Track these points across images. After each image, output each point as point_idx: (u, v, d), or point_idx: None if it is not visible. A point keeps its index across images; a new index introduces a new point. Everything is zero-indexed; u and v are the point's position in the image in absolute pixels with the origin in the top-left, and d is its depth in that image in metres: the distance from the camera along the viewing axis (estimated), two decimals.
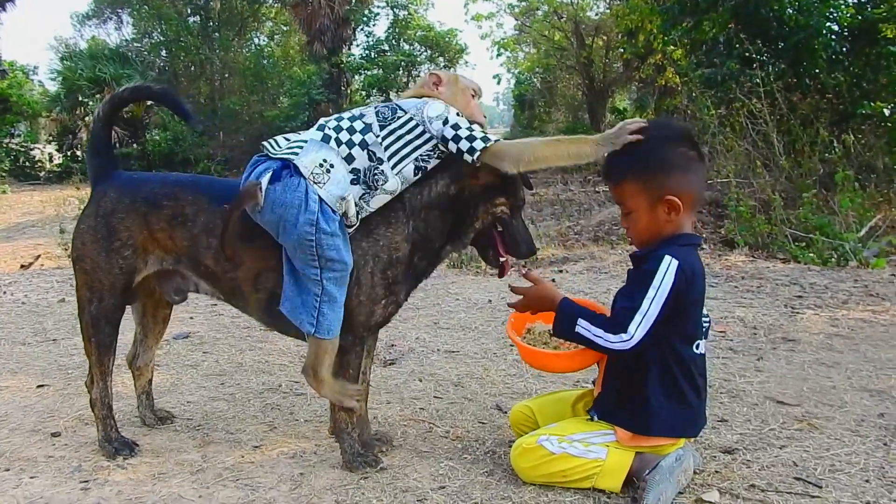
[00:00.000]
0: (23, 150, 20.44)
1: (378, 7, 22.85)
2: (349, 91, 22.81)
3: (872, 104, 6.86)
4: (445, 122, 1.83)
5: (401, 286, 1.94)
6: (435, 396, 2.52)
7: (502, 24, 27.50)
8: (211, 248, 1.92)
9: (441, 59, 22.61)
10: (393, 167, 1.84)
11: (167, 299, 2.11)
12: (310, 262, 1.78)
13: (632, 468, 1.73)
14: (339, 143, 1.84)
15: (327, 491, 1.79)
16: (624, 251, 5.39)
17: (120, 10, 23.33)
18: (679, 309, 1.69)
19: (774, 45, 7.44)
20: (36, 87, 24.56)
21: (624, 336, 1.66)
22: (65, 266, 6.17)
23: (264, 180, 1.79)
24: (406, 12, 22.90)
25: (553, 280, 4.52)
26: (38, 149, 21.21)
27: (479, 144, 1.80)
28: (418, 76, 22.49)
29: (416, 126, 1.85)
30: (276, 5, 23.58)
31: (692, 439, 1.88)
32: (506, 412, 2.27)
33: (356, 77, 23.10)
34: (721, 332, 3.21)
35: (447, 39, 22.58)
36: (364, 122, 1.87)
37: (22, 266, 6.79)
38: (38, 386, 2.68)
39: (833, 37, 7.21)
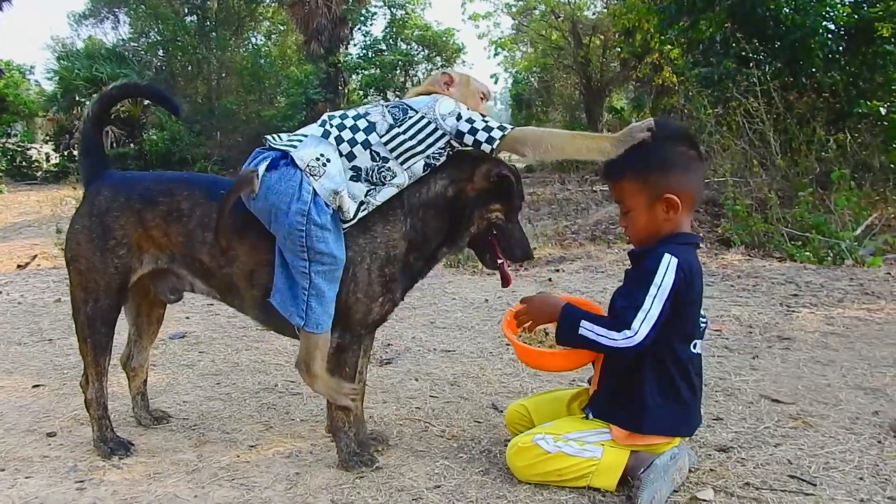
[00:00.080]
0: (19, 149, 20.36)
1: (375, 6, 22.84)
2: (346, 91, 22.79)
3: (869, 103, 6.88)
4: (459, 117, 1.85)
5: (397, 284, 1.94)
6: (431, 395, 2.52)
7: (499, 24, 27.50)
8: (206, 244, 1.92)
9: (438, 58, 22.58)
10: (402, 164, 1.85)
11: (162, 299, 2.11)
12: (299, 254, 1.78)
13: (627, 467, 1.74)
14: (340, 140, 1.85)
15: (323, 490, 1.79)
16: (620, 250, 5.40)
17: (117, 10, 23.26)
18: (677, 308, 1.69)
19: (771, 44, 7.45)
20: (32, 87, 24.52)
21: (628, 332, 1.65)
22: (61, 266, 6.13)
23: (261, 168, 1.80)
24: (403, 12, 22.89)
25: (549, 279, 4.52)
26: (35, 148, 21.15)
27: (497, 133, 1.82)
28: (415, 76, 22.48)
29: (429, 124, 1.85)
30: (273, 5, 23.54)
31: (687, 438, 1.88)
32: (501, 411, 2.28)
33: (353, 77, 23.07)
34: (717, 330, 3.21)
35: (444, 39, 22.56)
36: (368, 121, 1.87)
37: (18, 266, 6.76)
38: (34, 386, 2.68)
39: (829, 36, 7.22)
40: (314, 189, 1.78)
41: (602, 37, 18.64)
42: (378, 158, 1.85)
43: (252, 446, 2.09)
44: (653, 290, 1.66)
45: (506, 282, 2.03)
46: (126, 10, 22.64)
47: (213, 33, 22.16)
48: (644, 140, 1.74)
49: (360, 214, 1.86)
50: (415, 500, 1.74)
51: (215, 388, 2.66)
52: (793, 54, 7.14)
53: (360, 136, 1.85)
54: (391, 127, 1.86)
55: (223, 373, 2.84)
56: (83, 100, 19.25)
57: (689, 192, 1.78)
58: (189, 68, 22.08)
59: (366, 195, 1.84)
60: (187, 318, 3.76)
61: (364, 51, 22.76)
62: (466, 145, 1.87)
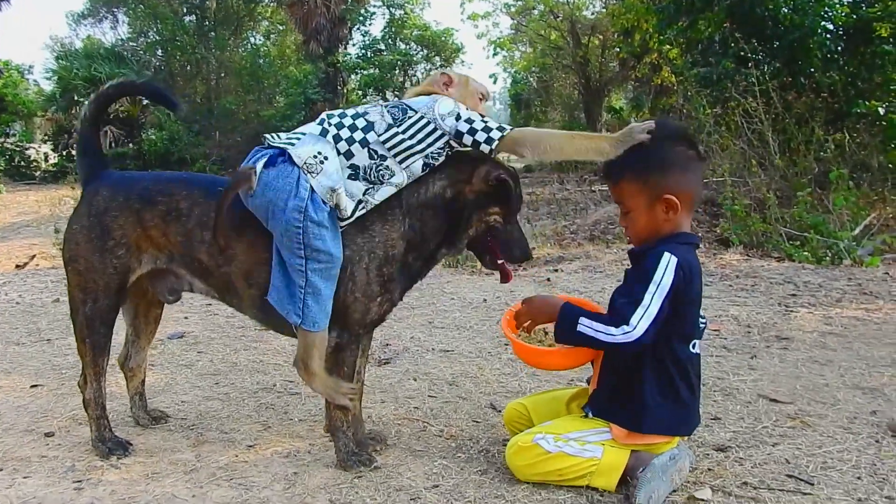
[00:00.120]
0: (18, 149, 20.35)
1: (374, 6, 22.84)
2: (345, 90, 22.78)
3: (867, 103, 6.89)
4: (458, 117, 1.85)
5: (396, 284, 1.94)
6: (429, 395, 2.52)
7: (498, 24, 27.64)
8: (205, 243, 1.92)
9: (437, 58, 22.59)
10: (400, 162, 1.85)
11: (161, 299, 2.11)
12: (295, 251, 1.78)
13: (627, 467, 1.74)
14: (338, 138, 1.85)
15: (321, 490, 1.79)
16: (619, 250, 5.40)
17: (115, 10, 23.25)
18: (677, 308, 1.69)
19: (770, 44, 7.46)
20: (31, 87, 24.51)
21: (626, 328, 1.65)
22: (60, 266, 6.12)
23: (259, 164, 1.81)
24: (402, 11, 22.89)
25: (548, 279, 4.52)
26: (34, 148, 21.14)
27: (496, 134, 1.83)
28: (414, 76, 22.48)
29: (428, 124, 1.86)
30: (272, 4, 23.54)
31: (686, 438, 1.88)
32: (500, 411, 2.28)
33: (352, 76, 23.06)
34: (715, 330, 3.22)
35: (443, 39, 22.56)
36: (367, 121, 1.88)
37: (17, 266, 6.76)
38: (32, 386, 2.68)
39: (828, 36, 7.23)
40: (311, 186, 1.78)
41: (601, 37, 18.65)
42: (376, 157, 1.85)
43: (250, 446, 2.09)
44: (652, 287, 1.66)
45: (506, 278, 2.03)
46: (125, 10, 22.63)
47: (212, 33, 22.16)
48: (643, 141, 1.75)
49: (359, 213, 1.86)
50: (413, 499, 1.74)
51: (213, 387, 2.66)
52: (791, 54, 7.15)
53: (359, 135, 1.86)
54: (390, 126, 1.86)
55: (221, 373, 2.84)
56: (82, 99, 19.19)
57: (689, 193, 1.78)
58: (188, 68, 22.07)
59: (364, 194, 1.85)
60: (185, 318, 3.76)
61: (363, 51, 22.76)
62: (465, 145, 1.87)
